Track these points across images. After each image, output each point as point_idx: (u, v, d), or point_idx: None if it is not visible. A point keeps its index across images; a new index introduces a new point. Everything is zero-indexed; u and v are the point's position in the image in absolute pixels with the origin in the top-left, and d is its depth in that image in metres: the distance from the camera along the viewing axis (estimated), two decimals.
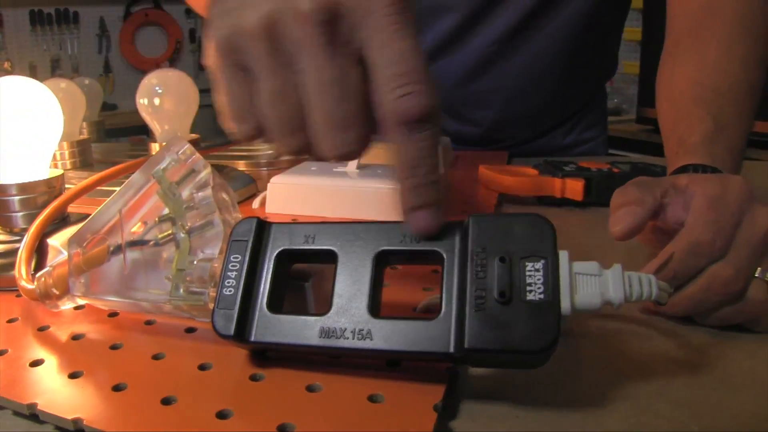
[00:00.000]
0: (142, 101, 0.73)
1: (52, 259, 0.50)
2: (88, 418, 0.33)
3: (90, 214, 0.44)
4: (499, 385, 0.38)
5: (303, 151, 0.37)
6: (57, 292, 0.43)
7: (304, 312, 0.40)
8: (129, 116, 0.71)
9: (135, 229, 0.41)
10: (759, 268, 0.43)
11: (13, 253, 0.49)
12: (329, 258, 0.37)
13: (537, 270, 0.33)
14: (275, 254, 0.38)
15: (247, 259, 0.38)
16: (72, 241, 0.42)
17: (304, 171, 0.71)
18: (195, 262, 0.39)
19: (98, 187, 0.56)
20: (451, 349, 0.33)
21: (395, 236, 0.37)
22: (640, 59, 2.96)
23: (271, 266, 0.38)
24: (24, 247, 0.48)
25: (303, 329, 0.35)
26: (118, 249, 0.41)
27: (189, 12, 4.12)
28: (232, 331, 0.36)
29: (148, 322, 0.44)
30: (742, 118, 0.61)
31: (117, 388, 0.36)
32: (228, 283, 0.37)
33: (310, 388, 0.35)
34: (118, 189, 0.43)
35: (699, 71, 0.65)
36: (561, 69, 1.02)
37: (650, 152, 2.58)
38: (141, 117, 0.75)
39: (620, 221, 0.46)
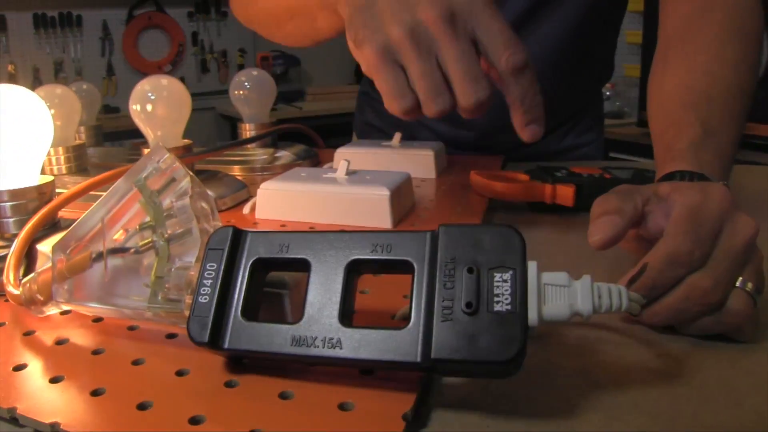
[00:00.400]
0: (134, 107, 0.74)
1: (41, 265, 0.51)
2: (65, 423, 0.33)
3: None
4: (471, 395, 0.38)
5: (448, 107, 0.51)
6: (41, 298, 0.44)
7: (283, 320, 0.41)
8: (131, 119, 0.73)
9: (117, 236, 0.42)
10: (740, 278, 0.42)
11: (2, 259, 0.50)
12: (303, 267, 0.38)
13: (505, 281, 0.34)
14: (250, 263, 0.39)
15: (222, 267, 0.38)
16: (56, 248, 0.43)
17: (294, 177, 0.72)
18: (173, 270, 0.39)
19: (91, 193, 0.57)
20: (418, 359, 0.33)
21: (367, 246, 0.37)
22: (641, 63, 2.96)
23: (246, 274, 0.38)
24: (12, 253, 0.49)
25: (275, 337, 0.36)
26: (100, 256, 0.42)
27: (191, 15, 4.14)
28: (206, 338, 0.36)
29: (131, 328, 0.45)
30: (732, 122, 0.60)
31: (95, 393, 0.36)
32: (203, 290, 0.38)
33: (282, 395, 0.36)
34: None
35: (689, 75, 0.65)
36: (553, 73, 1.02)
37: (651, 156, 2.55)
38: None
39: (598, 231, 0.45)
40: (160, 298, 0.39)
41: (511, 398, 0.37)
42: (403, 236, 0.37)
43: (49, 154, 0.83)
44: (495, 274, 0.34)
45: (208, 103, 4.04)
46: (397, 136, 0.92)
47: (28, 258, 0.51)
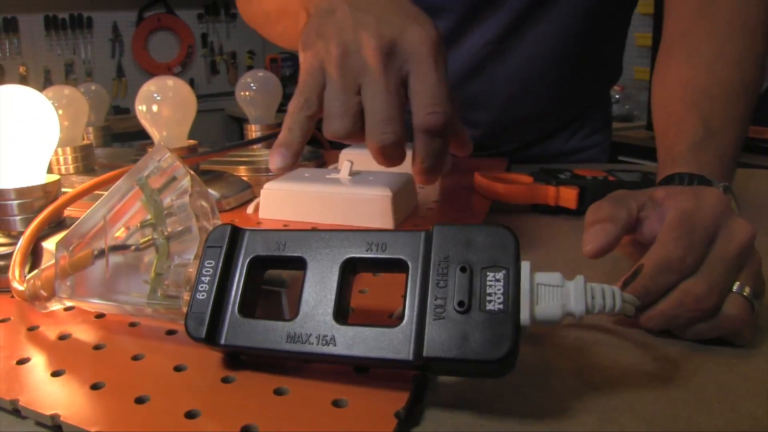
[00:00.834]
0: (140, 108, 0.74)
1: (46, 262, 0.52)
2: (65, 415, 0.34)
3: None
4: (465, 394, 0.38)
5: (343, 134, 0.51)
6: (45, 294, 0.45)
7: (280, 317, 0.41)
8: None
9: (118, 234, 0.43)
10: (737, 283, 0.42)
11: (10, 256, 0.51)
12: (299, 264, 0.38)
13: (497, 280, 0.34)
14: (248, 260, 0.39)
15: (220, 264, 0.39)
16: (59, 245, 0.44)
17: (297, 177, 0.72)
18: (171, 267, 0.40)
19: (96, 191, 0.58)
20: (410, 357, 0.34)
21: (362, 244, 0.38)
22: (651, 65, 2.95)
23: (244, 272, 0.39)
24: (18, 250, 0.50)
25: (271, 334, 0.37)
26: (102, 253, 0.43)
27: (201, 17, 4.15)
28: (203, 334, 0.37)
29: (132, 324, 0.46)
30: (735, 121, 0.60)
31: (95, 387, 0.37)
32: (201, 287, 0.38)
33: (277, 392, 0.37)
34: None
35: (691, 73, 0.64)
36: (558, 72, 1.01)
37: None
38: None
39: (591, 240, 0.45)
40: (159, 294, 0.40)
41: (505, 398, 0.37)
42: (398, 235, 0.37)
43: (56, 153, 0.84)
44: (488, 273, 0.34)
45: (218, 105, 4.06)
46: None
47: (34, 255, 0.52)
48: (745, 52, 0.65)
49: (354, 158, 0.74)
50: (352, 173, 0.71)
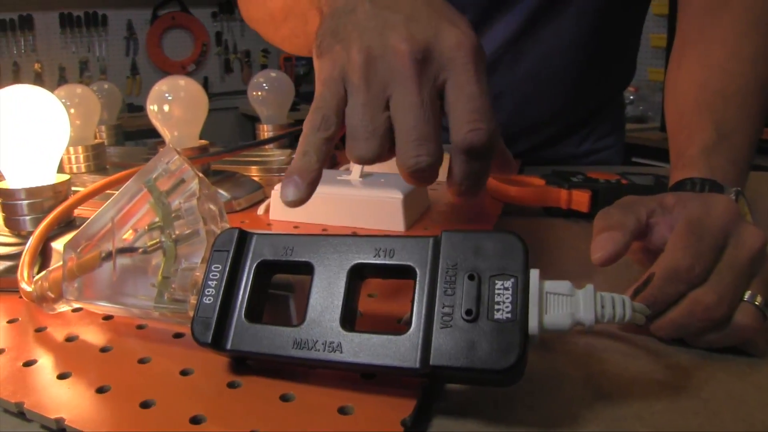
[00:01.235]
0: (152, 107, 0.74)
1: (56, 263, 0.52)
2: (69, 418, 0.34)
3: None
4: (472, 402, 0.37)
5: (369, 158, 0.44)
6: (52, 296, 0.45)
7: (287, 322, 0.41)
8: None
9: (126, 236, 0.43)
10: (748, 292, 0.42)
11: (19, 255, 0.51)
12: (307, 270, 0.38)
13: (506, 288, 0.33)
14: (255, 265, 0.39)
15: (227, 269, 0.39)
16: (67, 247, 0.44)
17: None
18: (179, 271, 0.40)
19: (107, 191, 0.58)
20: (417, 365, 0.33)
21: (370, 250, 0.37)
22: (665, 66, 2.93)
23: (251, 276, 0.39)
24: (27, 250, 0.50)
25: (277, 339, 0.36)
26: (110, 255, 0.42)
27: (215, 15, 4.16)
28: (209, 338, 0.37)
29: (140, 327, 0.46)
30: (748, 122, 0.58)
31: (101, 390, 0.37)
32: (208, 291, 0.38)
33: (283, 398, 0.36)
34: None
35: (703, 72, 0.63)
36: (572, 72, 1.00)
37: None
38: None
39: (600, 248, 0.45)
40: (166, 298, 0.40)
41: (513, 406, 0.37)
42: (406, 241, 0.37)
43: (68, 152, 0.84)
44: (496, 281, 0.34)
45: (231, 103, 4.06)
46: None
47: (43, 256, 0.52)
48: (759, 50, 0.63)
49: None
50: (364, 175, 0.71)
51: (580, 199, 0.71)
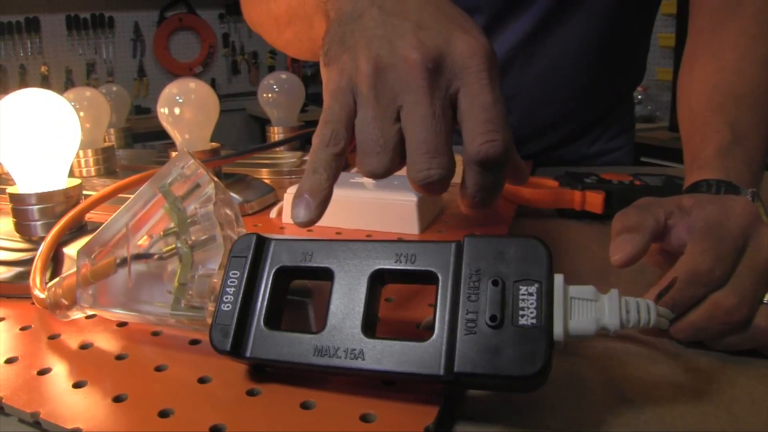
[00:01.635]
0: (162, 110, 0.74)
1: (68, 269, 0.51)
2: (86, 429, 0.34)
3: None
4: (495, 408, 0.37)
5: (381, 172, 0.42)
6: (66, 303, 0.44)
7: (306, 328, 0.41)
8: None
9: (141, 242, 0.42)
10: None
11: (30, 261, 0.50)
12: (326, 276, 0.38)
13: (530, 294, 0.33)
14: (273, 271, 0.38)
15: (245, 275, 0.38)
16: (81, 253, 0.43)
17: None
18: (196, 277, 0.39)
19: (120, 195, 0.57)
20: (441, 372, 0.33)
21: (391, 255, 0.37)
22: (673, 66, 2.92)
23: (269, 283, 0.38)
24: (39, 256, 0.49)
25: (298, 347, 0.36)
26: (125, 262, 0.42)
27: (222, 17, 4.17)
28: (228, 346, 0.36)
29: (155, 333, 0.45)
30: (762, 124, 0.58)
31: (117, 399, 0.37)
32: (226, 298, 0.37)
33: (304, 405, 0.36)
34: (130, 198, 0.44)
35: (716, 74, 0.63)
36: (584, 73, 1.00)
37: (683, 161, 2.53)
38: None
39: (619, 249, 0.44)
40: (182, 305, 0.39)
41: (535, 411, 0.37)
42: (428, 246, 0.36)
43: (77, 156, 0.83)
44: (520, 286, 0.33)
45: (239, 105, 4.06)
46: None
47: (55, 261, 0.52)
48: None
49: None
50: None
51: (594, 201, 0.71)
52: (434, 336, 0.34)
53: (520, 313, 0.33)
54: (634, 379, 0.40)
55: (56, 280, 0.45)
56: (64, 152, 0.56)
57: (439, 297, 0.35)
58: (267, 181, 0.85)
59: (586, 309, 0.34)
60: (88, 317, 0.47)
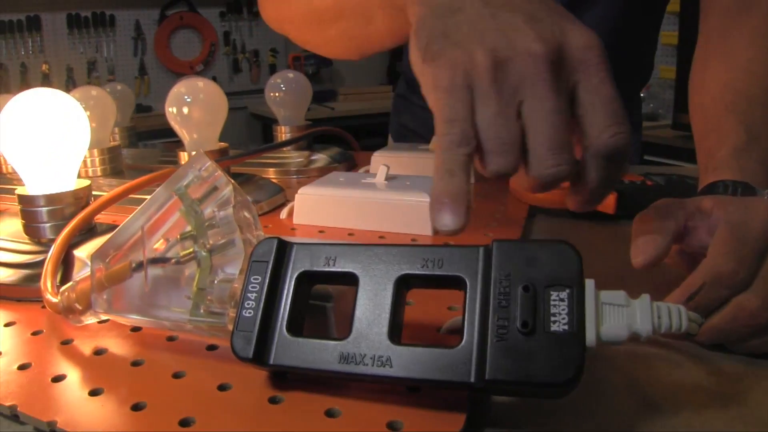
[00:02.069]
0: (170, 110, 0.73)
1: (78, 271, 0.50)
2: None
3: (118, 225, 0.44)
4: (522, 413, 0.37)
5: (510, 171, 0.40)
6: (80, 308, 0.43)
7: (326, 333, 0.40)
8: (163, 119, 0.73)
9: (157, 245, 0.41)
10: None
11: (40, 264, 0.50)
12: (350, 280, 0.37)
13: (562, 299, 0.32)
14: (296, 276, 0.38)
15: (267, 280, 0.37)
16: (95, 257, 0.42)
17: (333, 182, 0.71)
18: (215, 282, 0.38)
19: (129, 196, 0.57)
20: (472, 380, 0.32)
21: (417, 260, 0.36)
22: (676, 64, 2.91)
23: (291, 288, 0.37)
24: (49, 259, 0.48)
25: (322, 353, 0.35)
26: (140, 266, 0.41)
27: (223, 15, 4.16)
28: (250, 353, 0.36)
29: (170, 338, 0.44)
30: None
31: (136, 408, 0.36)
32: (248, 304, 0.37)
33: (329, 413, 0.35)
34: (147, 198, 0.43)
35: (731, 73, 0.62)
36: None
37: (686, 159, 2.54)
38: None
39: (641, 251, 0.44)
40: (202, 310, 0.38)
41: (562, 417, 0.36)
42: (455, 251, 0.36)
43: (84, 156, 0.83)
44: (551, 292, 0.33)
45: (240, 103, 4.05)
46: (435, 140, 0.90)
47: (65, 264, 0.51)
48: None
49: (386, 161, 0.72)
50: (389, 177, 0.70)
51: (606, 201, 0.70)
52: (463, 342, 0.33)
53: (552, 319, 0.32)
54: (657, 383, 0.40)
55: (69, 284, 0.44)
56: (74, 153, 0.55)
57: (467, 302, 0.34)
58: (274, 180, 0.84)
59: (617, 314, 0.34)
60: (100, 321, 0.46)
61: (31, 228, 0.54)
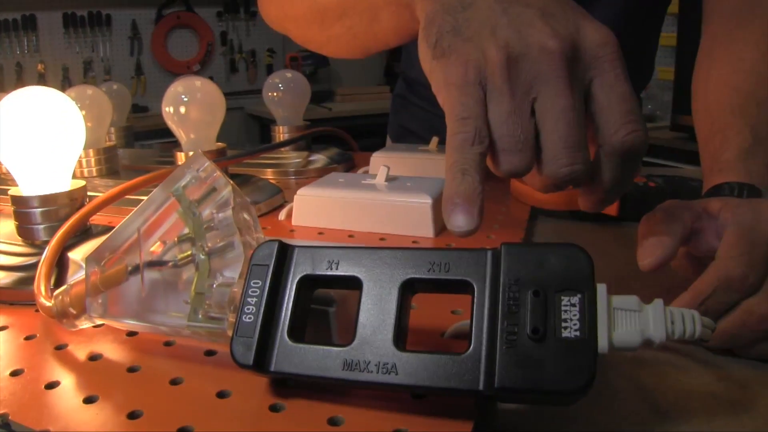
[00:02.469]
0: (167, 109, 0.72)
1: (72, 274, 0.49)
2: None
3: (114, 226, 0.43)
4: (529, 421, 0.36)
5: (523, 171, 0.39)
6: (74, 312, 0.42)
7: (328, 338, 0.39)
8: (160, 119, 0.72)
9: (154, 248, 0.40)
10: None
11: (34, 266, 0.49)
12: (353, 284, 0.36)
13: (573, 305, 0.31)
14: (297, 280, 0.37)
15: (267, 284, 0.36)
16: (90, 260, 0.41)
17: (332, 183, 0.70)
18: (214, 287, 0.37)
19: (125, 197, 0.56)
20: (481, 387, 0.31)
21: (423, 264, 0.35)
22: (675, 65, 2.91)
23: (293, 292, 0.36)
24: (43, 261, 0.47)
25: (325, 360, 0.34)
26: (137, 269, 0.40)
27: (220, 15, 4.15)
28: (251, 360, 0.34)
29: (167, 343, 0.43)
30: None
31: (132, 416, 0.35)
32: (248, 309, 0.35)
33: (332, 421, 0.34)
34: (143, 199, 0.42)
35: (736, 75, 0.62)
36: None
37: (684, 160, 2.54)
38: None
39: (649, 254, 0.43)
40: (200, 315, 0.37)
41: (570, 424, 0.36)
42: (462, 255, 0.35)
43: (79, 156, 0.81)
44: (562, 297, 0.32)
45: (237, 103, 4.04)
46: (434, 141, 0.89)
47: (60, 266, 0.50)
48: None
49: (386, 162, 0.72)
50: (389, 178, 0.69)
51: None
52: (471, 349, 0.32)
53: (563, 325, 0.31)
54: (666, 389, 0.39)
55: (63, 287, 0.43)
56: (68, 153, 0.54)
57: (474, 308, 0.33)
58: (272, 181, 0.83)
59: (630, 320, 0.33)
60: (95, 326, 0.45)
61: (25, 230, 0.53)
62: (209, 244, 0.38)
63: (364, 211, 0.66)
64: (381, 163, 0.70)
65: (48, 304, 0.44)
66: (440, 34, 0.41)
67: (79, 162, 0.82)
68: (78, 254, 0.50)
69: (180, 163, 0.71)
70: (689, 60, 0.71)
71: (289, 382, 0.37)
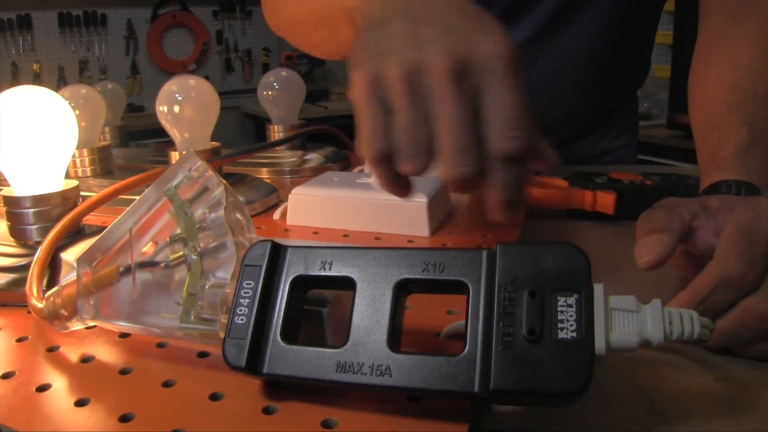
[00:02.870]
0: (161, 108, 0.71)
1: (65, 275, 0.49)
2: None
3: (106, 226, 0.43)
4: (525, 423, 0.36)
5: (423, 171, 0.43)
6: (66, 313, 0.42)
7: (322, 340, 0.38)
8: (156, 118, 0.71)
9: (146, 248, 0.40)
10: None
11: (26, 267, 0.48)
12: (347, 285, 0.35)
13: (569, 305, 0.31)
14: (290, 280, 0.36)
15: (260, 285, 0.36)
16: (81, 261, 0.41)
17: (327, 182, 0.70)
18: (206, 287, 0.37)
19: (119, 197, 0.55)
20: (476, 389, 0.31)
21: (418, 264, 0.35)
22: (671, 63, 2.91)
23: (286, 293, 0.36)
24: (35, 262, 0.47)
25: (318, 362, 0.34)
26: (128, 270, 0.39)
27: (216, 14, 4.15)
28: (243, 362, 0.34)
29: (160, 345, 0.43)
30: None
31: (124, 419, 0.34)
32: (240, 311, 0.35)
33: (325, 424, 0.34)
34: (136, 199, 0.42)
35: (733, 73, 0.62)
36: (588, 74, 0.99)
37: (681, 158, 2.54)
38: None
39: (647, 252, 0.44)
40: (192, 317, 0.37)
41: (566, 425, 0.36)
42: (457, 254, 0.34)
43: (73, 156, 0.81)
44: (559, 297, 0.31)
45: (233, 102, 4.04)
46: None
47: (52, 267, 0.49)
48: None
49: None
50: None
51: (606, 201, 0.70)
52: (466, 350, 0.32)
53: (560, 325, 0.31)
54: (664, 390, 0.39)
55: (55, 289, 0.43)
56: (61, 152, 0.54)
57: (470, 308, 0.33)
58: (267, 180, 0.83)
59: (627, 320, 0.33)
60: (87, 327, 0.45)
61: (17, 230, 0.52)
62: (201, 245, 0.38)
63: (359, 211, 0.65)
64: None
65: (39, 305, 0.43)
66: (357, 49, 0.46)
67: (73, 162, 0.82)
68: (71, 255, 0.49)
69: (174, 162, 0.70)
70: (686, 58, 0.71)
71: (282, 384, 0.37)
